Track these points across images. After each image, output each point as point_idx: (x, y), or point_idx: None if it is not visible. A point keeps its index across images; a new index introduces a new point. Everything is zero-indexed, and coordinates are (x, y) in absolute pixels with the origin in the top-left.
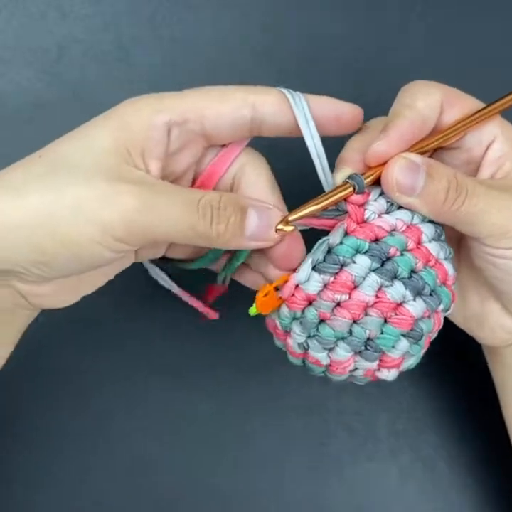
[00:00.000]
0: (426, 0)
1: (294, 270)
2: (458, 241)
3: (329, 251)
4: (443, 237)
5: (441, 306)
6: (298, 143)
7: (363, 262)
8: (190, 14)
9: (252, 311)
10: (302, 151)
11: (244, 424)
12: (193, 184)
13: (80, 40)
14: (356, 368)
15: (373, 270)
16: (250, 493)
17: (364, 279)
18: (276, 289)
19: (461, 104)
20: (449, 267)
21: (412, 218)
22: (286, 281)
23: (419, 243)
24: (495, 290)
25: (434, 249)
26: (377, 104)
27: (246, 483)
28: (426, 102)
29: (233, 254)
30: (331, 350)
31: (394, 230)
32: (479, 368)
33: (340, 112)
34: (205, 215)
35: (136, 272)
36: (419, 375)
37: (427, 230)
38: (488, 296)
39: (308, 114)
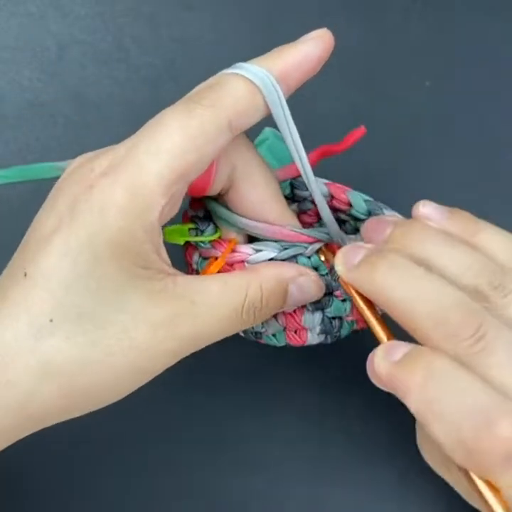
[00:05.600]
0: (426, 0)
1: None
2: None
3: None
4: None
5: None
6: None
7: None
8: (190, 14)
9: None
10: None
11: (241, 427)
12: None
13: (79, 40)
14: None
15: None
16: (248, 497)
17: None
18: None
19: None
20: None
21: None
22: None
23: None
24: None
25: None
26: (377, 105)
27: (244, 486)
28: None
29: None
30: None
31: None
32: None
33: (313, 55)
34: (249, 319)
35: None
36: None
37: None
38: None
39: (285, 108)
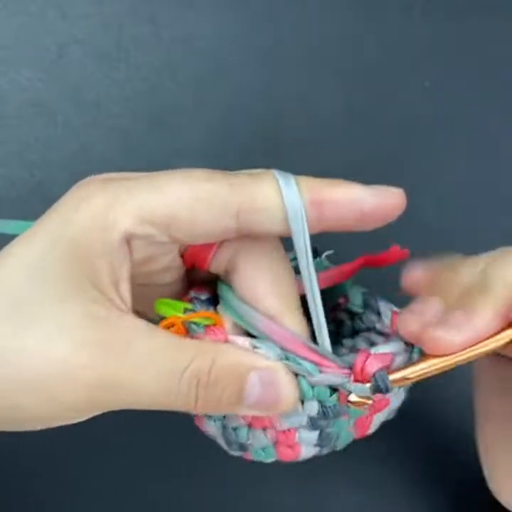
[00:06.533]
0: (427, 0)
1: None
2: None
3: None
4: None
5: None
6: None
7: (312, 407)
8: (190, 14)
9: None
10: None
11: None
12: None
13: (79, 40)
14: (216, 438)
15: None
16: (246, 503)
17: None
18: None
19: None
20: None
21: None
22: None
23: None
24: None
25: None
26: (377, 106)
27: (245, 492)
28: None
29: None
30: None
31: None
32: None
33: (361, 207)
34: (189, 393)
35: None
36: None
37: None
38: None
39: (305, 227)
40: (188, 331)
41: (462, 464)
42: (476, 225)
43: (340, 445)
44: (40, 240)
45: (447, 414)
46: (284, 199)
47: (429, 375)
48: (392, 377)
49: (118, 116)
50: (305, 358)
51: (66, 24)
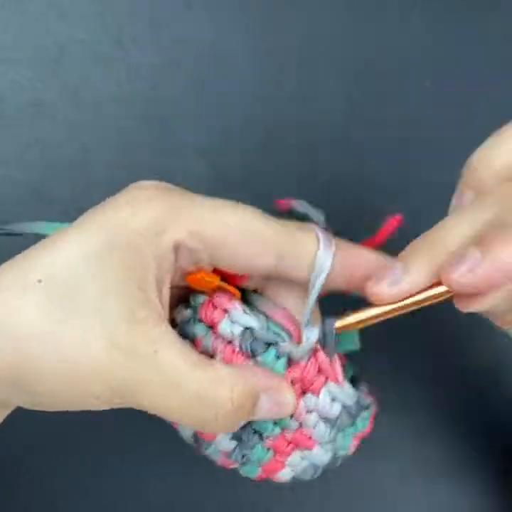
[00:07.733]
0: (427, 0)
1: None
2: None
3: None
4: None
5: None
6: None
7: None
8: (190, 14)
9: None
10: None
11: None
12: None
13: (79, 40)
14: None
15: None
16: (248, 498)
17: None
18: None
19: None
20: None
21: None
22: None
23: None
24: None
25: None
26: (377, 106)
27: (246, 487)
28: None
29: None
30: None
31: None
32: (482, 371)
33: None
34: (209, 414)
35: None
36: (419, 379)
37: None
38: None
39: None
40: (213, 290)
41: (462, 462)
42: None
43: None
44: (98, 234)
45: (446, 412)
46: (317, 258)
47: (373, 321)
48: (338, 323)
49: (118, 116)
50: (285, 328)
51: (66, 24)
